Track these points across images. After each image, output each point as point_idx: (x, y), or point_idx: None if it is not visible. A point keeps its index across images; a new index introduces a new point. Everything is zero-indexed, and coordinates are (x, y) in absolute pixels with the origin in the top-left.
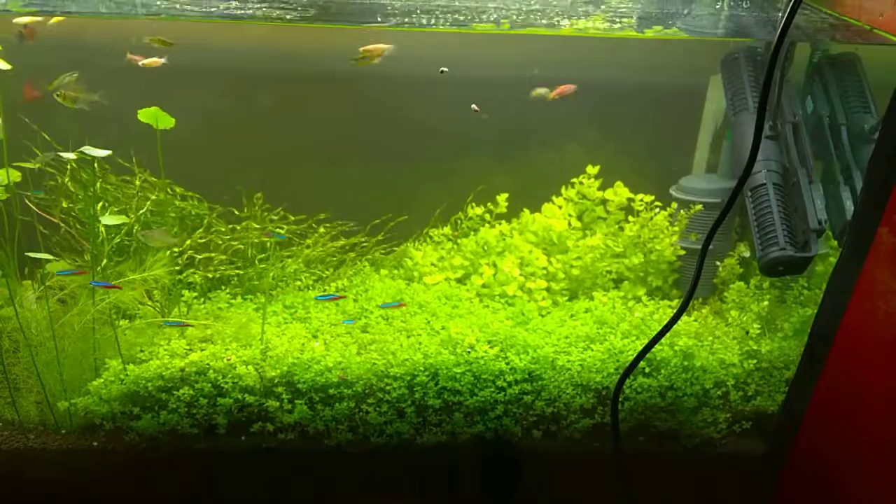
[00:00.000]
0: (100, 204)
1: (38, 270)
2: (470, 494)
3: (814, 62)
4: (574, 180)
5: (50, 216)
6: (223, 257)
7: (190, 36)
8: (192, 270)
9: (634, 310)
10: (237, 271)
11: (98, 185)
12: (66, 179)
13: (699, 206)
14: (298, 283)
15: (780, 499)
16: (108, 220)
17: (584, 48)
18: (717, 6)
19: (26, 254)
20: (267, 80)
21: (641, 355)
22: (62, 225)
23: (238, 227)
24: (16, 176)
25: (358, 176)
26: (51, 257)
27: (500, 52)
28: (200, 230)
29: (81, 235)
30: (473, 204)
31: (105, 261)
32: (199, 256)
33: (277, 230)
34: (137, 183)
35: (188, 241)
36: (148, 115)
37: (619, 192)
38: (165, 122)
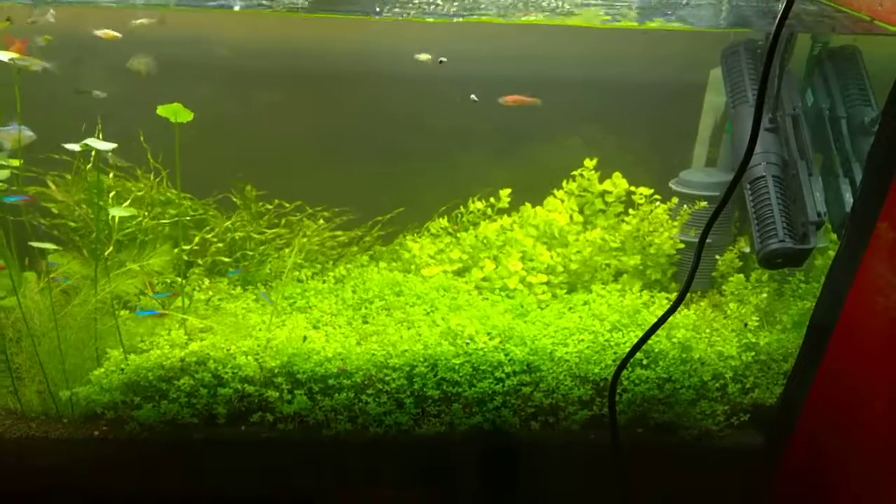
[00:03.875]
0: (112, 193)
1: (42, 261)
2: (468, 485)
3: (814, 55)
4: (574, 173)
5: (69, 202)
6: (220, 245)
7: (195, 31)
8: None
9: (626, 297)
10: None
11: (110, 178)
12: (83, 166)
13: (703, 204)
14: (296, 273)
15: (778, 491)
16: (116, 211)
17: (586, 42)
18: None
19: (30, 244)
20: (275, 77)
21: (639, 345)
22: (75, 206)
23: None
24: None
25: (361, 171)
26: (54, 247)
27: (501, 48)
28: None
29: (82, 227)
30: (475, 198)
31: (110, 248)
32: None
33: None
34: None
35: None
36: (167, 110)
37: (618, 183)
38: (184, 116)
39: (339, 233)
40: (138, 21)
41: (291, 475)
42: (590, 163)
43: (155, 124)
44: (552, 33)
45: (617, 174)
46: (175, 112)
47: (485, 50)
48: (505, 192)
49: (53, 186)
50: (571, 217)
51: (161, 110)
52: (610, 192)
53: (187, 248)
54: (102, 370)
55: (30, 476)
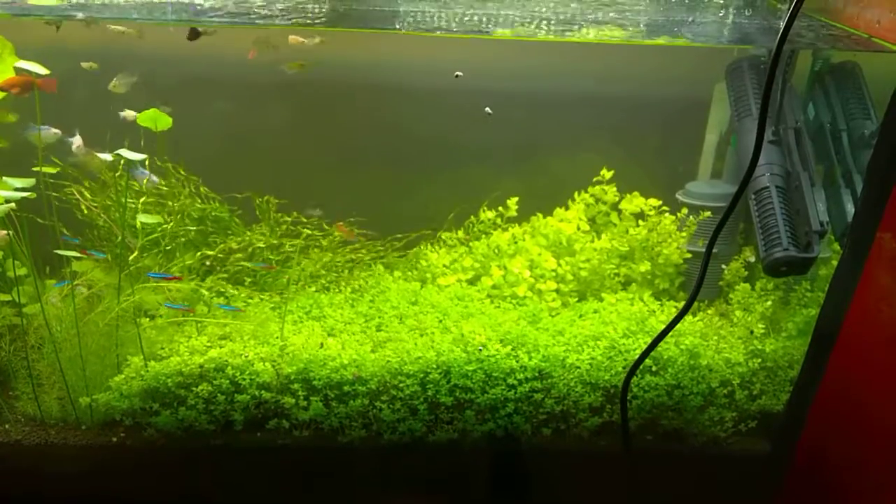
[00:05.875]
0: (142, 200)
1: (65, 269)
2: (480, 492)
3: (815, 71)
4: (593, 180)
5: (94, 207)
6: (241, 255)
7: (212, 47)
8: (214, 275)
9: (635, 304)
10: (254, 267)
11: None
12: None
13: (707, 214)
14: (313, 288)
15: (784, 497)
16: (144, 218)
17: (596, 61)
18: (721, 14)
19: (55, 251)
20: (292, 89)
21: (648, 351)
22: (101, 214)
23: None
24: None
25: (377, 183)
26: (78, 254)
27: (516, 66)
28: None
29: (105, 235)
30: (485, 208)
31: (135, 253)
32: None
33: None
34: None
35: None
36: (146, 117)
37: (635, 202)
38: (164, 123)
39: (359, 248)
40: (118, 29)
41: (306, 482)
42: (607, 173)
43: (187, 135)
44: (567, 53)
45: (636, 193)
46: (154, 119)
47: (501, 67)
48: (512, 201)
49: (86, 193)
50: (579, 227)
51: (141, 118)
52: (625, 210)
53: (211, 253)
54: (122, 377)
55: (47, 483)
